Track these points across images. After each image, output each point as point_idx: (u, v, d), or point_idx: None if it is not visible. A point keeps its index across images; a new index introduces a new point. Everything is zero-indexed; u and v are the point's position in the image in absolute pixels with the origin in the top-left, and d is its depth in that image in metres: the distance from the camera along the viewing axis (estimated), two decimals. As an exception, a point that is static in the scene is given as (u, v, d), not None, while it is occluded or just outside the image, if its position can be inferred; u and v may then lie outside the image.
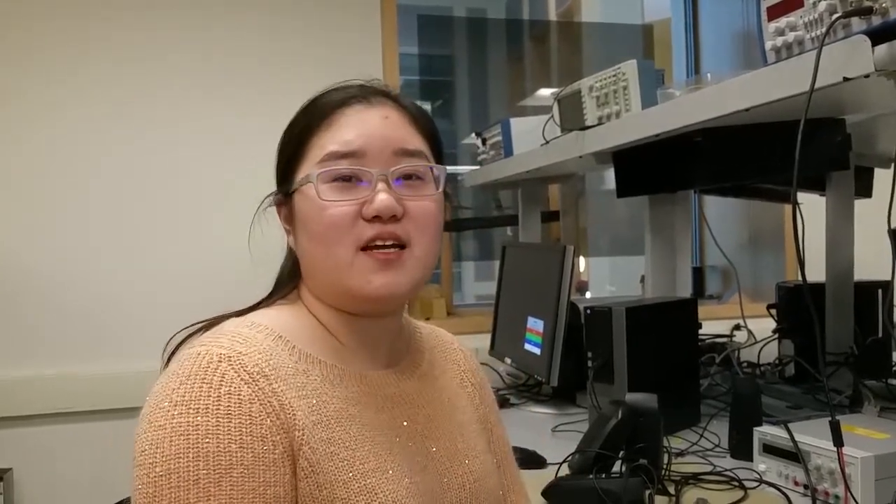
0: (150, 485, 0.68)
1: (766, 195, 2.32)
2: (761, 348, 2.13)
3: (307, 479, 0.73)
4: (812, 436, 1.26)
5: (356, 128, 0.82)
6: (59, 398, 2.35)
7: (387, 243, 0.80)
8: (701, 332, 1.94)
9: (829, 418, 1.06)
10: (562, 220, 2.86)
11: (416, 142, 0.85)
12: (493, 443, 1.00)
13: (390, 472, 0.79)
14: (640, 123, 1.54)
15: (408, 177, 0.83)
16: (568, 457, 1.34)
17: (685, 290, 1.93)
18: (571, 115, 1.88)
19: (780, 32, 1.12)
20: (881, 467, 1.17)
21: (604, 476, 1.25)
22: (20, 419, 2.33)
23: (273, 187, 0.89)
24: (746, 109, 1.21)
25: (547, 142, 1.97)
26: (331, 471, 0.75)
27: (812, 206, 1.69)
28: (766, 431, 1.36)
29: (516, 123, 2.33)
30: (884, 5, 0.93)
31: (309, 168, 0.82)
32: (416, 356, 0.95)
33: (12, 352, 2.34)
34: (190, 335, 0.83)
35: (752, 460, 1.39)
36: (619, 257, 3.82)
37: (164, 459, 0.68)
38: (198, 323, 0.85)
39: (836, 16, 0.99)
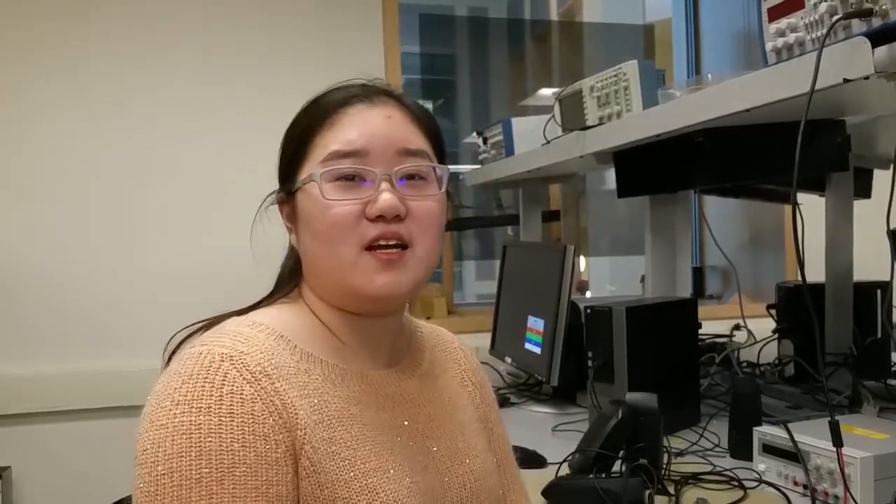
0: (151, 483, 0.68)
1: (766, 196, 2.32)
2: (761, 348, 2.13)
3: (309, 479, 0.74)
4: (811, 436, 1.26)
5: (359, 127, 0.82)
6: (58, 396, 2.35)
7: (390, 243, 0.80)
8: (701, 331, 1.94)
9: (829, 418, 1.06)
10: (562, 219, 2.86)
11: (418, 141, 0.85)
12: (493, 442, 1.00)
13: (391, 471, 0.79)
14: (640, 123, 1.54)
15: (411, 177, 0.83)
16: (568, 456, 1.34)
17: (685, 290, 1.93)
18: (572, 115, 1.89)
19: (781, 33, 1.12)
20: (880, 467, 1.17)
21: (604, 476, 1.25)
22: (19, 417, 2.33)
23: (273, 185, 0.89)
24: (747, 110, 1.21)
25: (548, 141, 1.98)
26: (332, 470, 0.75)
27: (812, 206, 1.69)
28: (766, 431, 1.37)
29: (517, 123, 2.33)
30: (884, 7, 0.93)
31: (312, 167, 0.82)
32: (417, 355, 0.95)
33: (12, 350, 2.34)
34: (191, 334, 0.84)
35: (751, 460, 1.39)
36: (620, 257, 3.82)
37: (166, 458, 0.69)
38: (199, 322, 0.85)
39: (836, 17, 0.99)
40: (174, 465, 0.68)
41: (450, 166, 0.89)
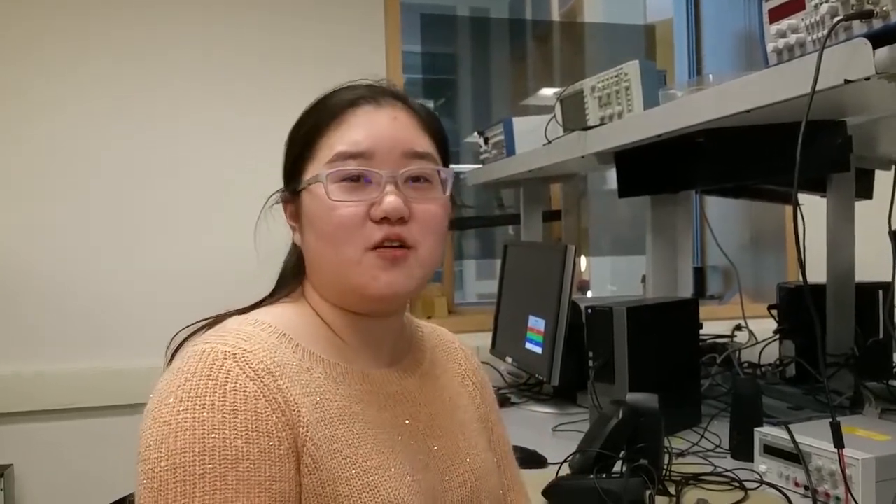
0: (155, 479, 0.69)
1: (767, 196, 2.32)
2: (762, 349, 2.13)
3: (310, 476, 0.74)
4: (813, 437, 1.26)
5: (365, 128, 0.82)
6: (59, 394, 2.35)
7: (393, 244, 0.80)
8: (702, 332, 1.94)
9: (830, 419, 1.06)
10: (563, 219, 2.86)
11: (424, 143, 0.85)
12: (493, 442, 1.01)
13: (392, 469, 0.79)
14: (642, 124, 1.54)
15: (416, 179, 0.83)
16: (569, 456, 1.34)
17: (686, 291, 1.94)
18: (574, 115, 1.89)
19: (782, 34, 1.12)
20: (882, 469, 1.17)
21: (604, 476, 1.25)
22: (21, 415, 2.33)
23: (274, 184, 0.89)
24: (748, 111, 1.21)
25: (549, 141, 1.98)
26: (334, 468, 0.75)
27: (813, 207, 1.69)
28: (767, 432, 1.37)
29: (519, 123, 2.33)
30: (885, 9, 0.93)
31: (318, 167, 0.82)
32: (418, 355, 0.95)
33: (13, 348, 2.34)
34: (193, 332, 0.84)
35: (752, 461, 1.39)
36: (621, 257, 3.82)
37: (169, 454, 0.69)
38: (201, 320, 0.85)
39: (837, 18, 1.00)
40: (177, 461, 0.68)
41: (452, 166, 0.89)
